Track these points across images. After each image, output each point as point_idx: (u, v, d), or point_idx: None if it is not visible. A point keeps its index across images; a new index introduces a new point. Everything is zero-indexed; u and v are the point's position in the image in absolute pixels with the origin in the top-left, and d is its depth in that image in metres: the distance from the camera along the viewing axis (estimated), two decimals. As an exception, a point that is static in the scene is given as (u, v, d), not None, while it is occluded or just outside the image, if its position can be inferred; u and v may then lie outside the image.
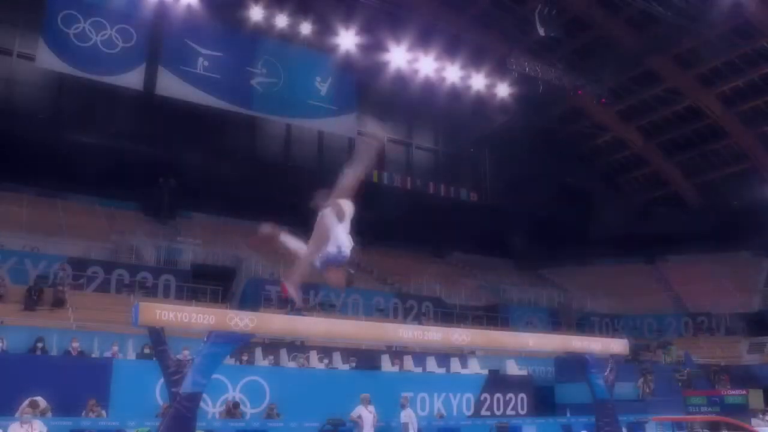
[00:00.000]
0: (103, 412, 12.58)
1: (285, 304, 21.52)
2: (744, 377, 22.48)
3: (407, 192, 34.07)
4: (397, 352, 18.71)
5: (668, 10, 25.35)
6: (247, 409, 14.51)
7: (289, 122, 32.17)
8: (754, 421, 15.92)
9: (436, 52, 29.82)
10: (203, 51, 28.84)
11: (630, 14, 28.98)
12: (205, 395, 6.93)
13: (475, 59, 30.72)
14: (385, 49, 29.42)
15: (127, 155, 26.19)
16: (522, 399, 18.71)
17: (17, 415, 9.93)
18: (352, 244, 6.04)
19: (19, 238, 20.80)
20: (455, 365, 19.13)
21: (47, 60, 25.57)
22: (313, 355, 17.18)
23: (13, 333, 14.67)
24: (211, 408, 14.05)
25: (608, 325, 29.12)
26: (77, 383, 12.96)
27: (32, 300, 16.88)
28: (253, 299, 21.61)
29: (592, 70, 30.23)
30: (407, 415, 13.86)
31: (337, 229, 6.00)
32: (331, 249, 5.94)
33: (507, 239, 35.68)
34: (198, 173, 27.65)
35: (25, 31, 26.68)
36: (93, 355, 14.88)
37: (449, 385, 17.82)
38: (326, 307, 22.44)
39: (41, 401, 10.44)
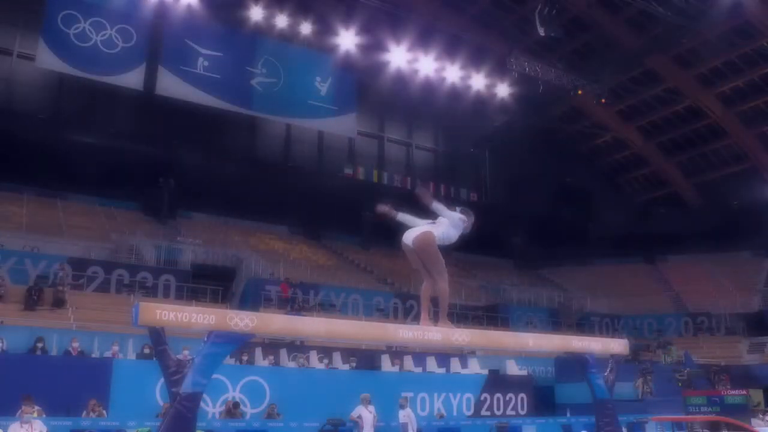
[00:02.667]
0: (104, 412, 12.58)
1: (285, 304, 21.55)
2: (744, 377, 22.46)
3: (407, 192, 34.07)
4: (397, 352, 18.71)
5: (668, 10, 25.35)
6: (247, 409, 14.51)
7: (289, 122, 32.17)
8: (754, 421, 15.91)
9: (436, 52, 29.83)
10: (203, 51, 28.84)
11: (630, 14, 29.00)
12: (205, 395, 6.93)
13: (475, 59, 30.73)
14: (385, 49, 29.43)
15: (127, 155, 26.20)
16: (522, 399, 18.71)
17: (19, 415, 9.93)
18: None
19: (19, 238, 20.79)
20: (455, 365, 19.13)
21: (47, 60, 25.57)
22: (313, 355, 17.18)
23: (13, 333, 14.66)
24: (211, 408, 14.06)
25: (608, 325, 29.12)
26: (77, 383, 12.95)
27: (32, 300, 16.87)
28: (253, 299, 21.61)
29: (592, 70, 30.24)
30: (406, 415, 13.84)
31: None
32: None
33: (507, 239, 35.68)
34: (198, 173, 27.66)
35: (25, 31, 26.69)
36: (93, 355, 14.87)
37: (449, 385, 17.81)
38: (326, 307, 22.45)
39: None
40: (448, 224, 7.17)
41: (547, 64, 29.98)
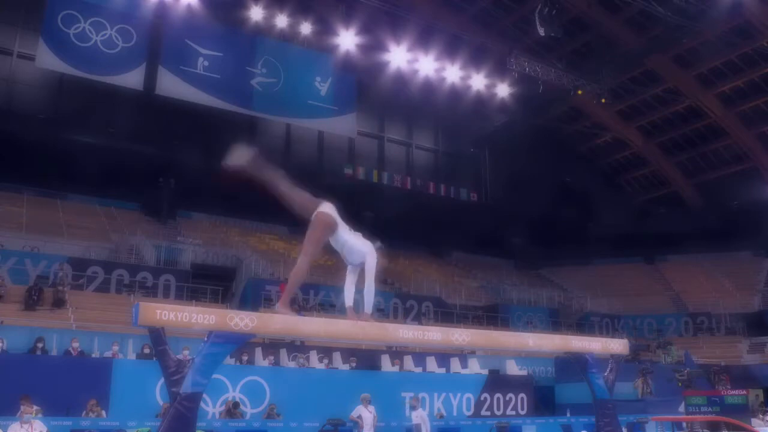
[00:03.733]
0: (103, 412, 12.58)
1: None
2: (744, 377, 22.49)
3: (407, 192, 34.09)
4: (397, 352, 18.72)
5: (668, 10, 25.35)
6: (247, 409, 14.51)
7: (289, 122, 32.16)
8: (754, 421, 15.92)
9: (436, 52, 29.82)
10: (203, 51, 28.83)
11: (630, 14, 29.02)
12: (205, 395, 6.93)
13: (475, 59, 30.72)
14: (385, 49, 29.42)
15: (127, 155, 26.19)
16: (522, 399, 18.72)
17: (19, 415, 9.94)
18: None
19: (19, 238, 20.79)
20: (455, 365, 19.14)
21: (47, 60, 25.57)
22: (313, 355, 17.18)
23: (13, 333, 14.67)
24: (211, 408, 14.06)
25: (608, 325, 29.14)
26: (77, 383, 12.95)
27: (32, 300, 16.87)
28: (253, 299, 21.61)
29: (592, 70, 30.24)
30: (418, 416, 13.76)
31: None
32: None
33: (507, 239, 35.70)
34: (198, 173, 27.61)
35: (25, 31, 26.70)
36: (93, 355, 14.87)
37: (449, 385, 17.82)
38: (326, 307, 22.45)
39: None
40: (355, 242, 6.95)
41: (547, 64, 29.97)
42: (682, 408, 16.26)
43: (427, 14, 30.03)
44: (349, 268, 7.06)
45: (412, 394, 15.70)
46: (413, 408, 13.97)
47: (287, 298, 6.94)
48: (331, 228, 6.81)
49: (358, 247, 6.92)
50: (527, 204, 35.05)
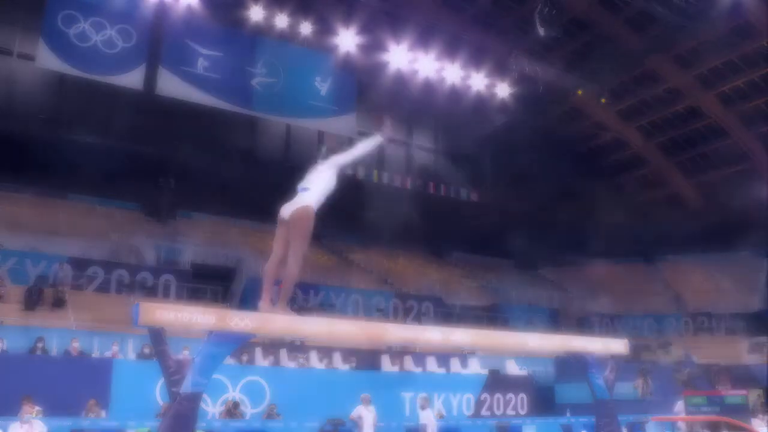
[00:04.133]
0: (103, 412, 12.59)
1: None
2: (744, 377, 22.46)
3: (407, 192, 34.09)
4: (397, 352, 18.72)
5: (668, 10, 25.35)
6: (247, 409, 14.53)
7: (289, 122, 32.15)
8: (754, 421, 15.90)
9: (436, 52, 29.81)
10: (203, 51, 28.83)
11: (630, 14, 29.00)
12: (205, 395, 6.92)
13: (475, 59, 30.71)
14: (385, 49, 29.42)
15: (127, 155, 26.15)
16: (522, 399, 18.73)
17: (19, 415, 9.93)
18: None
19: (19, 238, 20.80)
20: (455, 365, 19.14)
21: (47, 60, 25.57)
22: (313, 355, 17.19)
23: (13, 333, 14.69)
24: (211, 408, 14.07)
25: (608, 325, 29.14)
26: (77, 383, 12.97)
27: (32, 300, 16.88)
28: (253, 299, 21.54)
29: (592, 70, 30.22)
30: (426, 416, 13.77)
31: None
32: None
33: (507, 239, 35.70)
34: (198, 173, 27.64)
35: (25, 31, 26.67)
36: (93, 355, 14.88)
37: (449, 385, 17.83)
38: (326, 307, 22.45)
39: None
40: (326, 178, 7.31)
41: (547, 64, 29.97)
42: (677, 408, 16.27)
43: (427, 14, 30.02)
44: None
45: (412, 394, 15.71)
46: (422, 408, 13.94)
47: (285, 299, 6.91)
48: (313, 215, 6.96)
49: (327, 173, 7.46)
50: (527, 204, 35.04)
